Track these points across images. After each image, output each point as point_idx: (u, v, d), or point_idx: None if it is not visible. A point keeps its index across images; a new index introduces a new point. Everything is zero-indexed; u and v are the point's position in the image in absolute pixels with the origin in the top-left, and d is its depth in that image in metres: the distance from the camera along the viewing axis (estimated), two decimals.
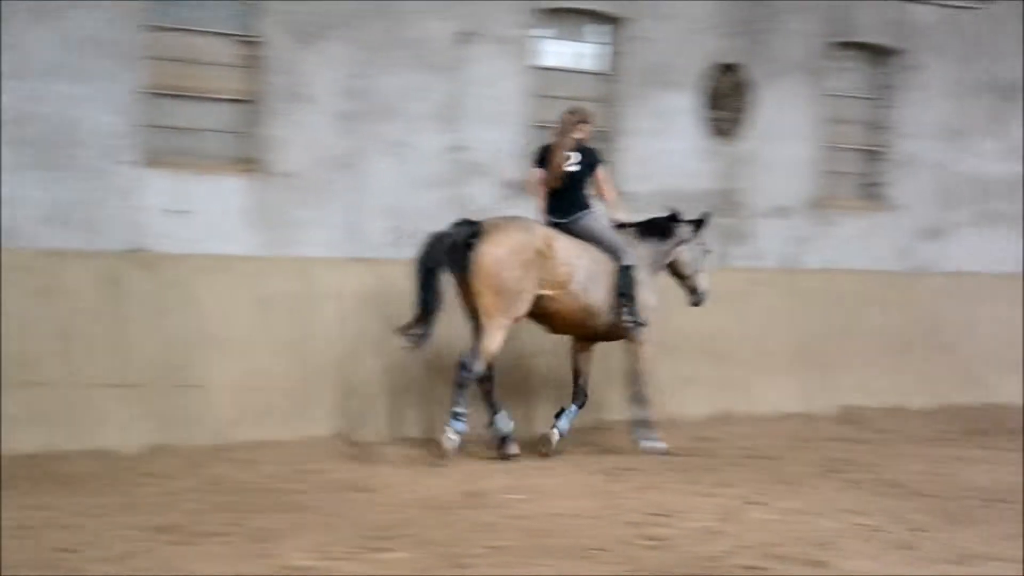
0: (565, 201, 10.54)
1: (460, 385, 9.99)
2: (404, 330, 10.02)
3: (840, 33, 13.53)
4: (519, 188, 11.71)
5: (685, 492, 9.26)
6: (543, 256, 10.18)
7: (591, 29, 12.40)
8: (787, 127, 13.13)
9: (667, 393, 11.41)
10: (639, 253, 10.76)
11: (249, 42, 10.81)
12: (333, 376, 10.84)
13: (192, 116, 10.70)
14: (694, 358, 12.31)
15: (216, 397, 10.34)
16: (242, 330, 10.57)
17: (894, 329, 13.68)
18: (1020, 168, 14.72)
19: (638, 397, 10.79)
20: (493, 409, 10.46)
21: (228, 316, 10.53)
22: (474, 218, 10.30)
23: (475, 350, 10.07)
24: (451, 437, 9.98)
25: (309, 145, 10.99)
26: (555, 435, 10.68)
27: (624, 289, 10.51)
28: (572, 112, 10.63)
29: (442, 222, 11.40)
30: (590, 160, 10.55)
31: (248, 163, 10.87)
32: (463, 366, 10.01)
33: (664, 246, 11.01)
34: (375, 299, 11.04)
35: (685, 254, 11.16)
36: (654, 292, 10.83)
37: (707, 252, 11.33)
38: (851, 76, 13.87)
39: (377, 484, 9.24)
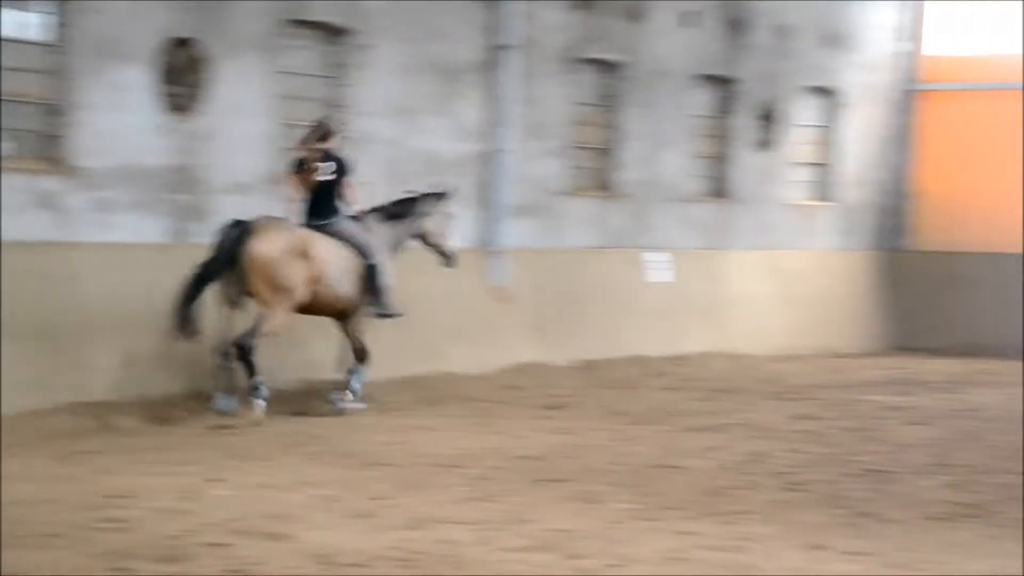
0: (320, 206, 11.95)
1: (246, 362, 11.29)
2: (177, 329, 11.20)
3: (294, 11, 13.66)
4: None
5: (145, 472, 9.15)
6: (304, 255, 11.48)
7: None
8: (244, 103, 13.13)
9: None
10: (383, 235, 12.25)
11: None
12: None
13: None
14: None
15: None
16: None
17: None
18: (467, 146, 15.36)
19: (357, 368, 12.26)
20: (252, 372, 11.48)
21: None
22: (243, 219, 11.37)
23: (253, 329, 11.32)
24: (259, 403, 11.38)
25: None
26: (347, 396, 12.17)
27: (373, 286, 11.94)
28: (318, 125, 12.05)
29: None
30: (341, 168, 11.95)
31: None
32: (240, 345, 11.25)
33: (406, 224, 12.53)
34: None
35: (429, 224, 12.70)
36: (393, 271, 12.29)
37: (451, 218, 12.92)
38: (306, 54, 14.04)
39: None
